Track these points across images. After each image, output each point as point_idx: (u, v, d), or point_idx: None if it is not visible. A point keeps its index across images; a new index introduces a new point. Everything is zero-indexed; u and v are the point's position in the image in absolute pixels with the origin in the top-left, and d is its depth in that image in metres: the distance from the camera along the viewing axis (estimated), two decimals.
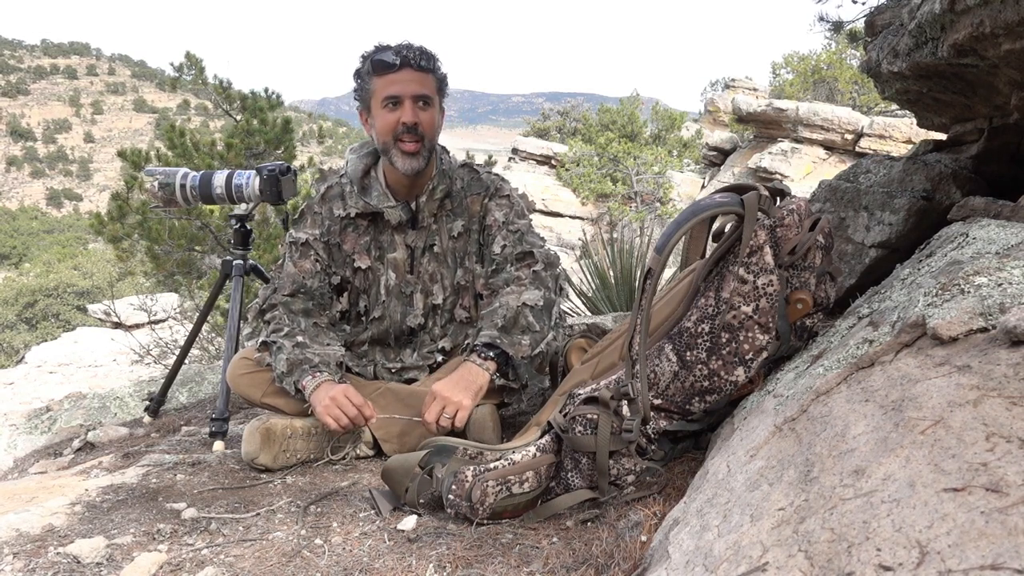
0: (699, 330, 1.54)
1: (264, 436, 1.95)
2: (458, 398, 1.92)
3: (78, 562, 1.44)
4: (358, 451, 2.08)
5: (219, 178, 2.54)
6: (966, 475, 0.73)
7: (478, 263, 2.25)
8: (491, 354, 2.01)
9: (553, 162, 22.48)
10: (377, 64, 2.07)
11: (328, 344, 2.14)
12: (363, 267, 2.22)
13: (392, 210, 2.17)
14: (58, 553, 1.47)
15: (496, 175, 2.31)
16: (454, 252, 2.24)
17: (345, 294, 2.27)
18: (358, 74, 2.13)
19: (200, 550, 1.47)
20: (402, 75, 2.06)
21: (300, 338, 2.09)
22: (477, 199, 2.23)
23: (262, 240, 6.55)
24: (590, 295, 4.67)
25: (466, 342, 2.22)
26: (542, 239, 2.26)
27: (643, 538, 1.31)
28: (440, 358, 2.26)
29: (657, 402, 1.56)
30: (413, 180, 2.16)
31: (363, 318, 2.28)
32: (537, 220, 20.33)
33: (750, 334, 1.52)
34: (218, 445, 2.24)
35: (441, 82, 2.16)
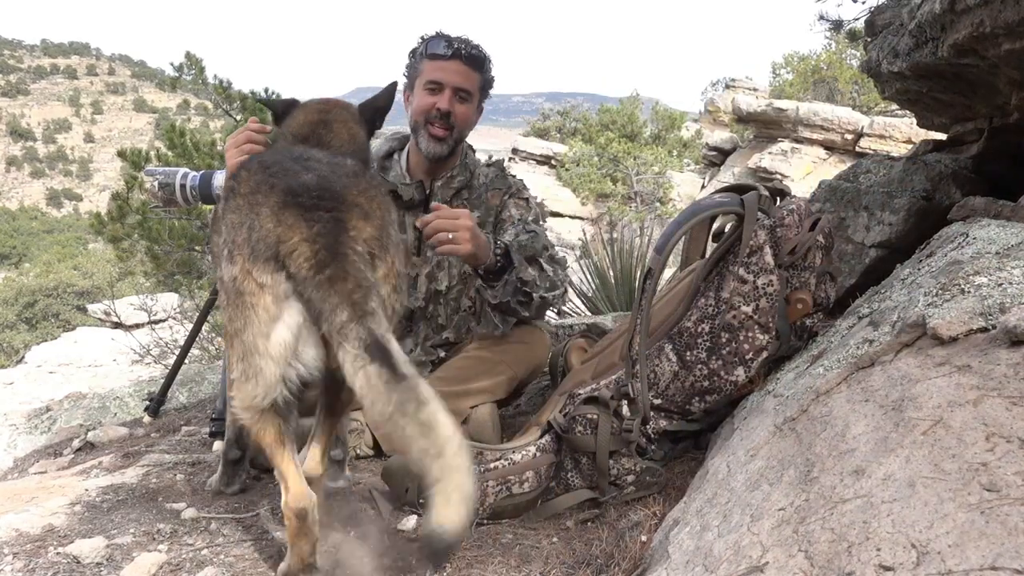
0: (699, 330, 1.54)
1: None
2: (463, 225, 1.78)
3: (78, 562, 1.44)
4: (358, 451, 2.07)
5: (219, 178, 2.53)
6: (966, 475, 0.73)
7: None
8: (502, 245, 1.98)
9: (553, 162, 22.47)
10: (432, 48, 2.17)
11: None
12: None
13: (406, 187, 2.22)
14: (58, 553, 1.47)
15: (520, 180, 2.36)
16: None
17: None
18: (413, 53, 2.23)
19: (200, 550, 1.47)
20: (450, 64, 2.15)
21: None
22: (498, 194, 2.28)
23: None
24: (590, 295, 4.67)
25: (468, 335, 2.24)
26: (553, 246, 2.25)
27: (643, 538, 1.31)
28: (442, 353, 2.27)
29: (657, 402, 1.56)
30: (433, 165, 2.24)
31: None
32: None
33: (750, 334, 1.52)
34: (218, 445, 2.23)
35: (486, 83, 2.24)
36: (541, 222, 2.28)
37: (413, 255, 2.25)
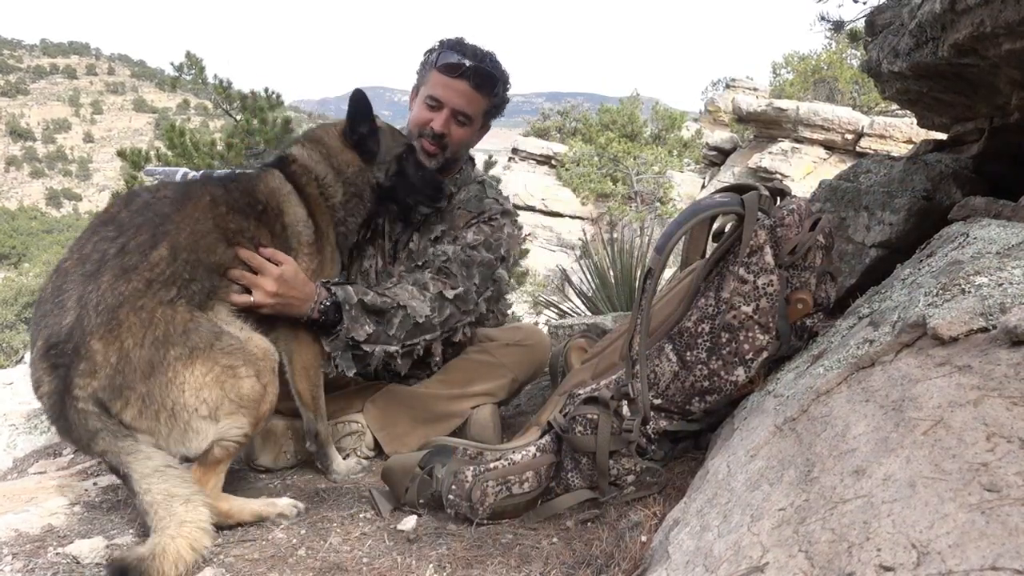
0: (699, 330, 1.54)
1: (264, 437, 1.95)
2: (265, 283, 1.69)
3: (77, 562, 1.44)
4: (358, 452, 2.07)
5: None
6: (966, 475, 0.73)
7: None
8: (331, 300, 1.81)
9: (553, 162, 22.47)
10: (443, 58, 2.07)
11: None
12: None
13: None
14: (57, 553, 1.47)
15: (501, 205, 2.19)
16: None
17: None
18: (429, 52, 2.15)
19: None
20: (456, 84, 2.05)
21: None
22: (466, 215, 2.15)
23: None
24: (590, 295, 4.67)
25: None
26: (487, 289, 2.08)
27: (643, 538, 1.31)
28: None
29: (657, 402, 1.56)
30: None
31: None
32: (537, 220, 20.32)
33: (750, 334, 1.52)
34: None
35: (494, 107, 2.16)
36: (500, 252, 2.11)
37: (389, 264, 2.22)
